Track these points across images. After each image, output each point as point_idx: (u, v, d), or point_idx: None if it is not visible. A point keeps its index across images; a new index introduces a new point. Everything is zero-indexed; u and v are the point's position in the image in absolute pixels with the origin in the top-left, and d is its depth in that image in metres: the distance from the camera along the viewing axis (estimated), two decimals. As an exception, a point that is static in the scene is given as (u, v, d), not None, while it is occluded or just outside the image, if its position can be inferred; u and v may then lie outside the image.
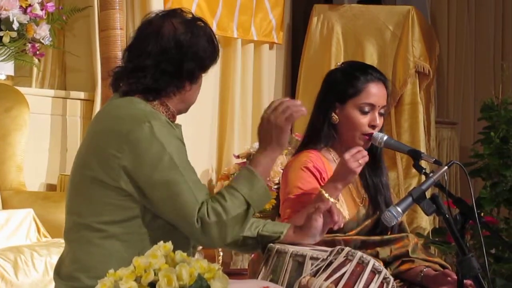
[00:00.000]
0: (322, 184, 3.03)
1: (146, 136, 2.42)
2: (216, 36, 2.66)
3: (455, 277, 2.84)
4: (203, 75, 2.62)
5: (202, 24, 2.60)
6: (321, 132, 3.10)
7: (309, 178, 3.03)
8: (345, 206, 3.06)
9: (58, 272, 2.56)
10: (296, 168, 3.06)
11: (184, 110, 2.63)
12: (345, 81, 3.08)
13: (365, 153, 2.94)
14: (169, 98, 2.56)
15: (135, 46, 2.58)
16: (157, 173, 2.41)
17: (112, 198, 2.45)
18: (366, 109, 3.06)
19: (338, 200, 2.97)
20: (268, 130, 2.55)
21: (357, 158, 2.93)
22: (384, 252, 3.02)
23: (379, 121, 3.08)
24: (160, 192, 2.41)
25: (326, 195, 2.91)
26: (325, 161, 3.09)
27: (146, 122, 2.43)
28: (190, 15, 2.60)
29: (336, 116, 3.09)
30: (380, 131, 3.08)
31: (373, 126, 3.06)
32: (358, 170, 2.92)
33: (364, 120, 3.06)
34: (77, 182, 2.53)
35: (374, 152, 3.15)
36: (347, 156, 2.91)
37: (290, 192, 3.03)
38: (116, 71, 2.61)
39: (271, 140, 2.54)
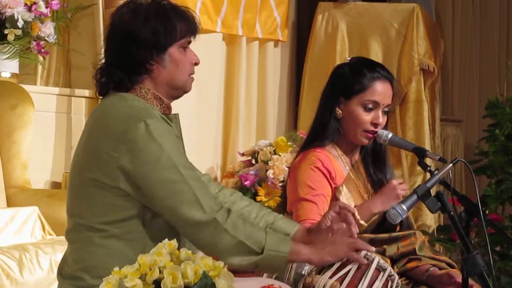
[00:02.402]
0: (333, 184, 3.04)
1: (142, 136, 2.39)
2: (193, 13, 2.56)
3: (460, 280, 2.84)
4: (178, 47, 2.51)
5: (149, 2, 2.51)
6: (327, 126, 3.10)
7: (320, 178, 3.02)
8: (353, 202, 3.05)
9: (61, 272, 2.56)
10: (305, 168, 3.05)
11: (174, 92, 2.55)
12: (352, 77, 3.08)
13: (407, 186, 3.01)
14: (142, 83, 2.51)
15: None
16: (156, 172, 2.39)
17: (111, 198, 2.43)
18: (370, 106, 3.06)
19: (368, 224, 2.99)
20: (331, 241, 2.52)
21: (403, 187, 2.99)
22: (391, 249, 3.02)
23: (382, 120, 3.07)
24: (159, 191, 2.40)
25: (358, 217, 2.91)
26: (332, 158, 3.09)
27: (142, 121, 2.40)
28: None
29: (340, 111, 3.09)
30: (385, 128, 3.08)
31: (375, 124, 3.06)
32: (400, 198, 2.96)
33: (367, 117, 3.06)
34: (77, 184, 2.52)
35: (378, 149, 3.16)
36: (395, 182, 2.98)
37: (302, 192, 3.02)
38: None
39: (325, 249, 2.49)
